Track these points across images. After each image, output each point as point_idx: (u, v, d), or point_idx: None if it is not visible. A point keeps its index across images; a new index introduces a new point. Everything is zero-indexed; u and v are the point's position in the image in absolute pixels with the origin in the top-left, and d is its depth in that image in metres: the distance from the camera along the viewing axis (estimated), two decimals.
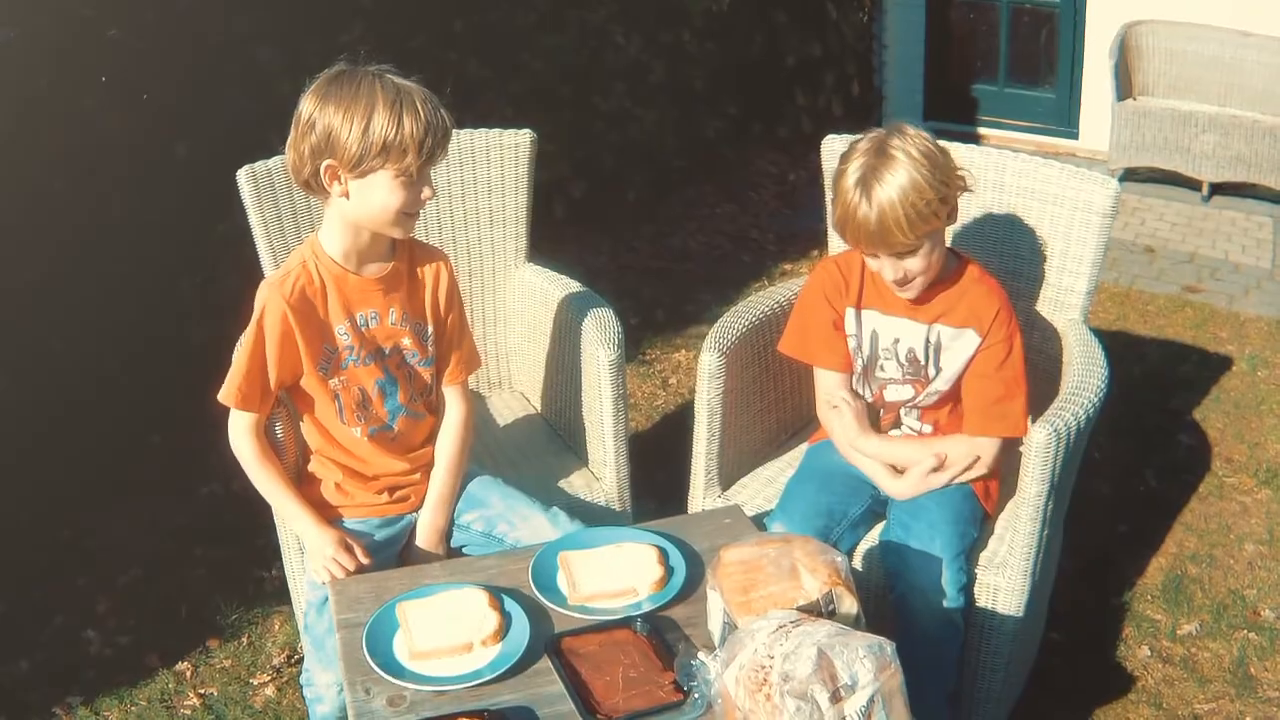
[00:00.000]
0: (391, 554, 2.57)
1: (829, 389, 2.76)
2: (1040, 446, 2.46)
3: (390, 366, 2.56)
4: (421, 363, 2.59)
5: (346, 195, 2.38)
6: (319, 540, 2.47)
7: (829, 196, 2.73)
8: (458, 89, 4.40)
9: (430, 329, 2.60)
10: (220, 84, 3.92)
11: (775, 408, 3.07)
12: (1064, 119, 7.17)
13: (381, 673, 2.02)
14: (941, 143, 2.56)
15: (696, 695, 1.87)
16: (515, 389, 3.35)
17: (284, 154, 2.42)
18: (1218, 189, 6.35)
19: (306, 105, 2.35)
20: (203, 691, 3.08)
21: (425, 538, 2.59)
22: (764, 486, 2.92)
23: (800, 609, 1.92)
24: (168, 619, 3.33)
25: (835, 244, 3.14)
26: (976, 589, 2.61)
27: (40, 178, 3.58)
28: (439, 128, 2.34)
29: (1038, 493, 2.51)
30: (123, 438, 3.67)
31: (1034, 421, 2.51)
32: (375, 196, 2.36)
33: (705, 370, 2.79)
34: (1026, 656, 2.91)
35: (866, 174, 2.45)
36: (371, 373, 2.53)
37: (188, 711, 3.02)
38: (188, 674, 3.14)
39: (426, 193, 2.40)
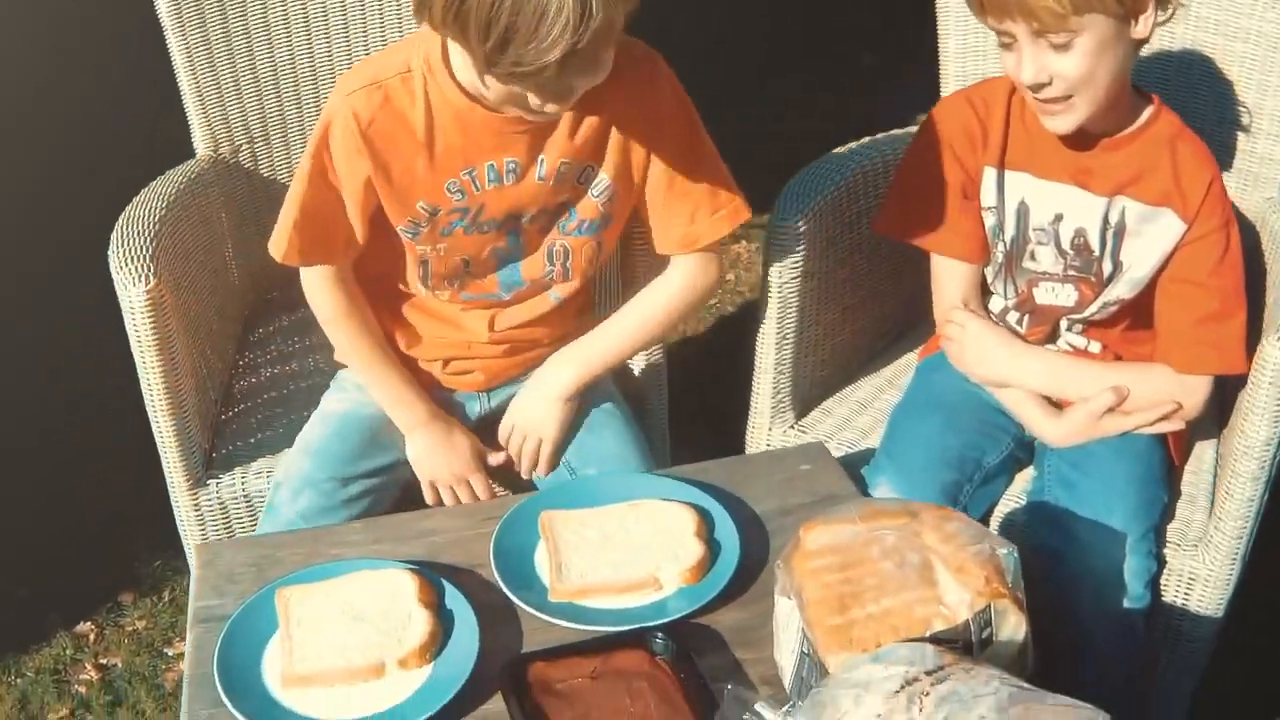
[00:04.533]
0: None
1: (949, 290, 2.05)
2: (1276, 367, 1.76)
3: (527, 235, 1.80)
4: (584, 230, 1.81)
5: None
6: (444, 444, 1.86)
7: None
8: None
9: (609, 180, 1.78)
10: None
11: (872, 302, 2.34)
12: None
13: (232, 708, 1.30)
14: None
15: None
16: None
17: None
18: None
19: None
20: (104, 662, 2.55)
21: (524, 404, 1.90)
22: (855, 414, 2.23)
23: (936, 638, 1.12)
24: (76, 567, 2.80)
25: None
26: (1164, 577, 1.93)
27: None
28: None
29: (1267, 439, 1.81)
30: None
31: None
32: (463, 74, 1.63)
33: (775, 243, 2.05)
34: None
35: None
36: (490, 240, 1.79)
37: (81, 689, 2.48)
38: (90, 638, 2.61)
39: (534, 102, 1.56)
